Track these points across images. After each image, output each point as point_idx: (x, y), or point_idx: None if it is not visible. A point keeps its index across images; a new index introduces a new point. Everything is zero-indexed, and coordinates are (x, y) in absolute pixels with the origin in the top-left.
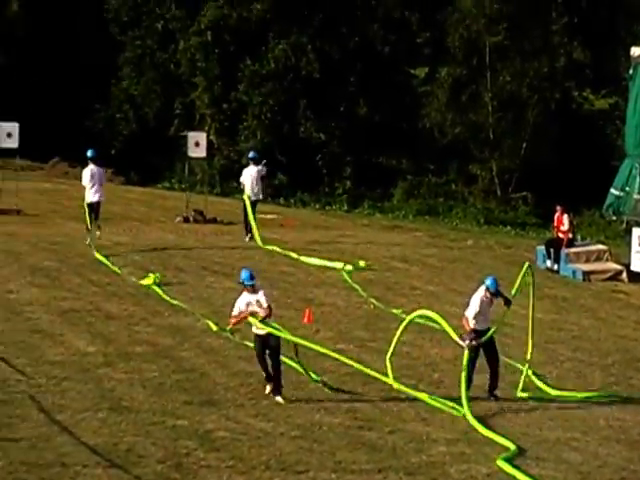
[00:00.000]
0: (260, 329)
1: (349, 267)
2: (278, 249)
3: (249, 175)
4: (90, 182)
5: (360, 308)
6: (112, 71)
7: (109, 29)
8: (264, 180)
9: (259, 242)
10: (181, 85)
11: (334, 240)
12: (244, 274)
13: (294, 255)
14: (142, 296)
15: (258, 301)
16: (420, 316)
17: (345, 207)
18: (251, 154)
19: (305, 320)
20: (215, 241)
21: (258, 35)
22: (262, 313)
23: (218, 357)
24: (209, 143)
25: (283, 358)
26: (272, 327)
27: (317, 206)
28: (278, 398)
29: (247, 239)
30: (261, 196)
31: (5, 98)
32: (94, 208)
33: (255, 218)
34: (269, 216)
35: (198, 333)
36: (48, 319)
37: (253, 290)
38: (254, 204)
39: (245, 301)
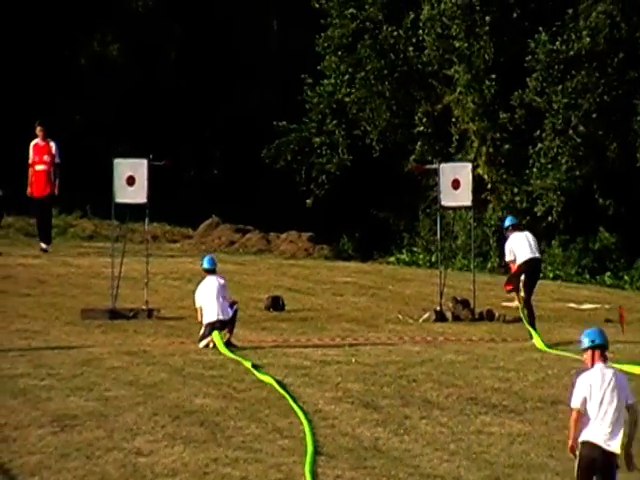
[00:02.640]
0: None
1: None
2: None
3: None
4: (208, 302)
5: None
6: (305, 64)
7: None
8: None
9: (538, 342)
10: (425, 82)
11: None
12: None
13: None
14: (371, 452)
15: None
16: None
17: None
18: None
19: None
20: (491, 352)
21: None
22: None
23: None
24: (477, 181)
25: None
26: None
27: None
28: None
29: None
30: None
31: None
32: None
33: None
34: (585, 306)
35: None
36: None
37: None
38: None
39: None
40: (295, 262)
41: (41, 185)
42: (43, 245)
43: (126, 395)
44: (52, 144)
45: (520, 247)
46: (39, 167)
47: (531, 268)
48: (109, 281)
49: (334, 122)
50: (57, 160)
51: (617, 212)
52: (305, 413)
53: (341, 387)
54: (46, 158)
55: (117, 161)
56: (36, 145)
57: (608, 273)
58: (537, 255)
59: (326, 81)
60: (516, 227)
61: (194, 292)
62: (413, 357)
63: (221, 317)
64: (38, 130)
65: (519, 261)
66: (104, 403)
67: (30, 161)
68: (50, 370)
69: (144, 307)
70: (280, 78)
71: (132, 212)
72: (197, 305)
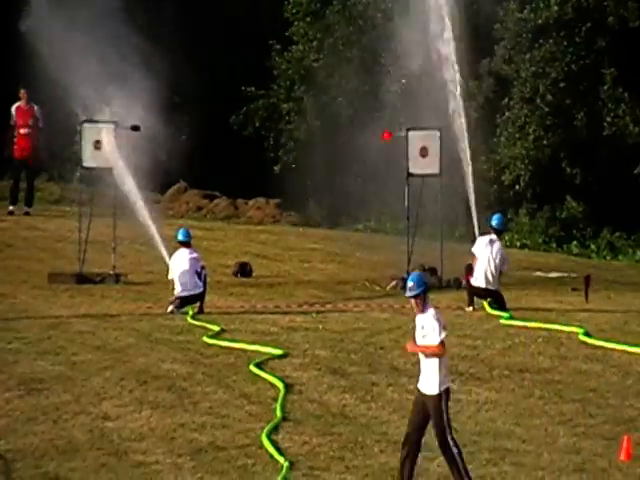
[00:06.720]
0: None
1: None
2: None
3: None
4: (181, 275)
5: None
6: (274, 29)
7: None
8: None
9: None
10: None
11: None
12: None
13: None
14: (338, 418)
15: None
16: None
17: None
18: None
19: (622, 456)
20: (458, 320)
21: None
22: None
23: None
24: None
25: None
26: None
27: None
28: None
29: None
30: None
31: None
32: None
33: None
34: (552, 275)
35: None
36: (172, 464)
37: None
38: None
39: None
40: (263, 228)
41: (26, 148)
42: (26, 208)
43: (93, 359)
44: (35, 107)
45: (479, 264)
46: (24, 130)
47: (481, 296)
48: (76, 245)
49: (302, 88)
50: (41, 125)
51: (584, 181)
52: (282, 380)
53: (309, 354)
54: (30, 122)
55: (85, 125)
56: (19, 108)
57: (575, 242)
58: (490, 287)
59: (294, 47)
60: (494, 231)
61: (162, 259)
62: (380, 324)
63: (193, 292)
64: (22, 93)
65: (473, 281)
66: (71, 367)
67: (13, 123)
68: (17, 334)
69: (111, 272)
70: (249, 44)
71: (99, 176)
72: (170, 277)
